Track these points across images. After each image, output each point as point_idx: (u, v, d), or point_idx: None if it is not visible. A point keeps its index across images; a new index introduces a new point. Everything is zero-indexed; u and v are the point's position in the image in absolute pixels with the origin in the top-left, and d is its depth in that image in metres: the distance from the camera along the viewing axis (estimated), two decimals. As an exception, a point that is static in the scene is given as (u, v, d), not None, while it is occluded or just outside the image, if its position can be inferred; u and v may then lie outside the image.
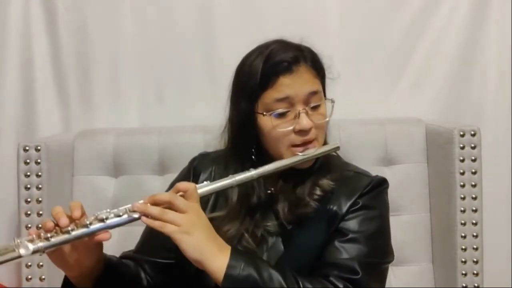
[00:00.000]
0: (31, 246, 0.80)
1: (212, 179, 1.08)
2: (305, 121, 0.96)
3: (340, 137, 1.50)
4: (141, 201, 0.87)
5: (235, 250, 0.89)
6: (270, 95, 0.97)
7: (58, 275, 0.96)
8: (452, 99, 1.69)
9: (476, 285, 1.43)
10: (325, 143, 1.05)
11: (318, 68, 1.02)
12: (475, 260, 1.43)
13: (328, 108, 1.02)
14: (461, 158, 1.42)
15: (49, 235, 0.82)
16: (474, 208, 1.43)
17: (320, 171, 1.04)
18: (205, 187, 0.91)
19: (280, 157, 0.99)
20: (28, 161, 1.45)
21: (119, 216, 0.85)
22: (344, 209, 1.00)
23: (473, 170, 1.42)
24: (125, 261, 1.05)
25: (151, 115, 1.70)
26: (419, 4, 1.67)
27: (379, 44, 1.68)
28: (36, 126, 1.69)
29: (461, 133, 1.42)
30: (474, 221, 1.43)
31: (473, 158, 1.42)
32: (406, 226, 1.50)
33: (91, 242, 0.85)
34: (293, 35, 1.05)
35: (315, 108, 0.99)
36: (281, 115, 0.97)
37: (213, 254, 0.85)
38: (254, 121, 1.00)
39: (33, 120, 1.69)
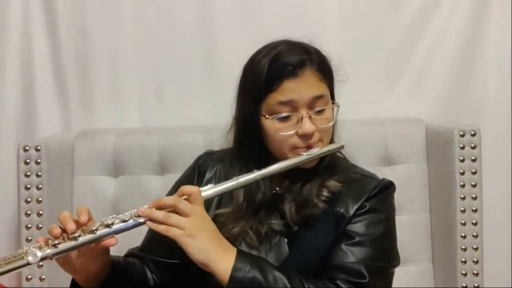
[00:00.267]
0: (39, 253, 0.82)
1: (217, 177, 1.09)
2: (307, 126, 0.96)
3: (340, 137, 1.50)
4: (146, 206, 0.88)
5: (241, 252, 0.89)
6: (274, 98, 0.97)
7: (58, 275, 0.97)
8: (452, 99, 1.69)
9: (476, 285, 1.43)
10: (331, 142, 1.04)
11: (324, 71, 1.01)
12: (475, 260, 1.43)
13: (334, 112, 1.02)
14: (461, 158, 1.42)
15: (56, 242, 0.83)
16: (474, 208, 1.43)
17: (327, 172, 1.03)
18: (209, 190, 0.92)
19: (284, 158, 0.99)
20: (28, 161, 1.45)
21: (125, 221, 0.86)
22: (351, 212, 0.99)
23: (473, 170, 1.42)
24: (131, 259, 1.05)
25: (151, 115, 1.70)
26: (419, 4, 1.67)
27: (379, 44, 1.68)
28: (36, 126, 1.69)
29: (461, 133, 1.42)
30: (474, 221, 1.43)
31: (473, 158, 1.42)
32: (406, 226, 1.50)
33: (98, 248, 0.86)
34: (293, 35, 1.04)
35: (319, 112, 0.98)
36: (284, 119, 0.97)
37: (218, 257, 0.86)
38: (258, 122, 0.99)
39: (33, 120, 1.69)
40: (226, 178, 0.99)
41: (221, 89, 1.64)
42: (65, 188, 1.53)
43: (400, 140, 1.53)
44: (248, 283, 0.85)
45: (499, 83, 1.68)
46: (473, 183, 1.42)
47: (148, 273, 1.05)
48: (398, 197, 1.49)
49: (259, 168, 0.96)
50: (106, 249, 0.90)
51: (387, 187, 1.05)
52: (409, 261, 1.50)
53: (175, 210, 0.86)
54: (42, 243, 0.83)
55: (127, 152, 1.53)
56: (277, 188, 1.04)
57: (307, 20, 1.63)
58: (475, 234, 1.43)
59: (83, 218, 0.85)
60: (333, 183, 1.02)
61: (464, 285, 1.43)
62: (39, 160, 1.46)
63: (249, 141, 1.02)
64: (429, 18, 1.67)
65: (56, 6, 1.65)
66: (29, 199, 1.45)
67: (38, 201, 1.45)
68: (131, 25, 1.67)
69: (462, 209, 1.42)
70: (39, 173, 1.46)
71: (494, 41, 1.67)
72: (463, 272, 1.43)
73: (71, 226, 0.84)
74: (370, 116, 1.63)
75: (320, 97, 0.98)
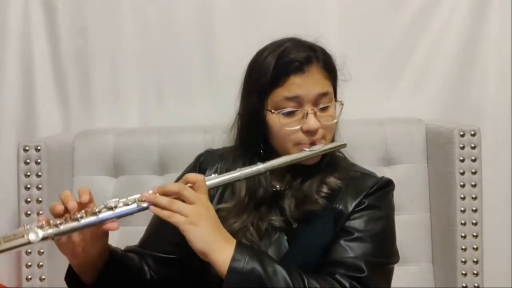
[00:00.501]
0: (41, 233, 0.80)
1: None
2: (312, 122, 0.97)
3: (341, 137, 1.50)
4: (150, 191, 0.88)
5: (240, 243, 0.90)
6: (280, 93, 0.98)
7: (58, 275, 0.97)
8: (452, 99, 1.69)
9: (476, 285, 1.43)
10: (333, 141, 1.05)
11: (330, 70, 1.02)
12: (475, 260, 1.43)
13: (336, 110, 1.03)
14: (461, 158, 1.42)
15: (58, 221, 0.82)
16: (474, 208, 1.43)
17: (327, 169, 1.04)
18: (213, 179, 0.92)
19: (287, 154, 1.00)
20: (28, 161, 1.45)
21: (128, 205, 0.86)
22: (350, 208, 1.00)
23: (473, 170, 1.42)
24: (129, 254, 1.05)
25: (151, 115, 1.70)
26: (419, 4, 1.67)
27: (379, 44, 1.68)
28: (36, 126, 1.69)
29: (461, 133, 1.42)
30: (474, 221, 1.43)
31: (473, 158, 1.42)
32: (406, 226, 1.50)
33: (99, 231, 0.86)
34: (294, 35, 1.05)
35: (324, 109, 0.99)
36: (290, 114, 0.98)
37: (218, 246, 0.86)
38: (263, 117, 1.00)
39: (33, 120, 1.69)
40: None
41: (221, 89, 1.64)
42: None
43: (400, 140, 1.53)
44: (247, 274, 0.85)
45: (499, 83, 1.68)
46: (473, 183, 1.42)
47: (146, 267, 1.04)
48: (398, 197, 1.49)
49: (263, 162, 0.96)
50: (106, 234, 0.90)
51: (386, 185, 1.06)
52: (409, 261, 1.50)
53: (179, 197, 0.86)
54: (43, 222, 0.82)
55: (127, 152, 1.53)
56: (277, 186, 1.05)
57: (307, 20, 1.63)
58: (475, 234, 1.43)
59: (85, 198, 0.85)
60: (333, 180, 1.02)
61: (464, 285, 1.43)
62: (39, 160, 1.46)
63: (254, 136, 1.03)
64: (429, 18, 1.67)
65: (56, 6, 1.65)
66: (29, 199, 1.45)
67: (38, 201, 1.45)
68: (131, 25, 1.67)
69: (462, 209, 1.42)
70: (39, 173, 1.46)
71: (494, 41, 1.67)
72: (463, 272, 1.43)
73: (72, 204, 0.83)
74: (370, 116, 1.63)
75: (325, 94, 0.99)
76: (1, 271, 1.66)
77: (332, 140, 1.04)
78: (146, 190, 0.88)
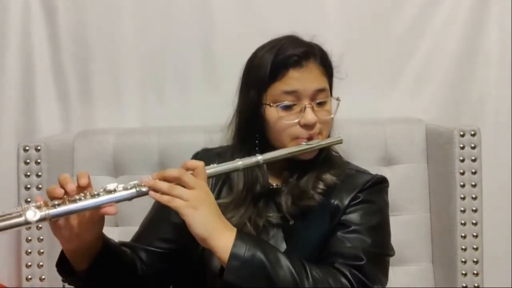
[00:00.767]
0: (39, 213, 0.79)
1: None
2: (310, 116, 0.98)
3: (335, 135, 1.50)
4: (150, 177, 0.88)
5: (241, 231, 0.90)
6: (278, 87, 0.99)
7: (58, 275, 0.96)
8: (452, 99, 1.69)
9: (476, 285, 1.43)
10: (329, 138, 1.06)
11: (326, 66, 1.05)
12: (475, 260, 1.43)
13: (333, 106, 1.05)
14: (461, 158, 1.42)
15: (56, 202, 0.81)
16: (474, 208, 1.43)
17: (323, 166, 1.06)
18: (213, 168, 0.92)
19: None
20: (28, 161, 1.45)
21: (128, 189, 0.85)
22: (346, 202, 1.02)
23: (473, 170, 1.42)
24: (123, 247, 1.05)
25: (151, 115, 1.70)
26: (419, 4, 1.67)
27: (379, 44, 1.68)
28: (36, 126, 1.69)
29: (461, 133, 1.42)
30: (474, 221, 1.43)
31: (473, 158, 1.42)
32: (406, 226, 1.50)
33: (96, 215, 0.86)
34: (303, 35, 1.07)
35: (320, 104, 1.02)
36: (287, 108, 1.00)
37: (219, 232, 0.86)
38: (261, 111, 1.02)
39: (33, 120, 1.69)
40: None
41: (221, 89, 1.64)
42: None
43: (400, 140, 1.53)
44: (249, 261, 0.85)
45: (499, 83, 1.68)
46: (473, 183, 1.42)
47: (138, 262, 1.04)
48: (398, 197, 1.50)
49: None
50: (102, 219, 0.89)
51: (380, 182, 1.07)
52: (409, 261, 1.50)
53: (179, 183, 0.86)
54: (41, 202, 0.81)
55: (127, 152, 1.53)
56: (274, 184, 1.07)
57: (308, 20, 1.63)
58: (475, 234, 1.43)
59: (83, 181, 0.85)
60: (329, 177, 1.04)
61: (464, 285, 1.43)
62: (39, 160, 1.46)
63: (252, 131, 1.04)
64: (429, 18, 1.67)
65: (56, 7, 1.65)
66: (29, 199, 1.45)
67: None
68: (131, 25, 1.67)
69: (462, 209, 1.42)
70: (39, 173, 1.46)
71: (494, 41, 1.67)
72: (463, 272, 1.43)
73: (71, 186, 0.83)
74: (370, 116, 1.63)
75: (322, 90, 1.01)
76: (1, 271, 1.66)
77: (328, 137, 1.06)
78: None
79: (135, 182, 0.87)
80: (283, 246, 1.00)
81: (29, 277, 1.46)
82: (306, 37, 1.06)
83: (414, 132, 1.54)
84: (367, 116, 1.63)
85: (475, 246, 1.43)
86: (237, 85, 1.09)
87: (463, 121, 1.64)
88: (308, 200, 1.01)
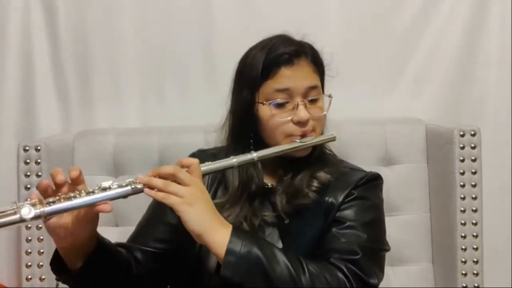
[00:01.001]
0: (33, 211, 0.79)
1: (210, 174, 1.08)
2: (302, 113, 0.99)
3: (340, 137, 1.49)
4: (145, 174, 0.88)
5: (237, 227, 0.90)
6: (271, 85, 1.00)
7: (58, 275, 0.96)
8: (452, 99, 1.70)
9: (476, 285, 1.43)
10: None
11: (318, 64, 1.06)
12: (475, 260, 1.43)
13: (325, 103, 1.05)
14: (461, 158, 1.42)
15: (51, 199, 0.81)
16: (474, 208, 1.43)
17: (317, 164, 1.06)
18: (208, 165, 0.93)
19: None
20: (28, 161, 1.45)
21: (122, 187, 0.85)
22: (340, 199, 1.03)
23: (473, 170, 1.42)
24: (118, 248, 1.04)
25: (151, 115, 1.70)
26: (419, 4, 1.67)
27: (379, 44, 1.68)
28: (36, 126, 1.69)
29: (461, 133, 1.42)
30: (474, 221, 1.43)
31: (473, 158, 1.42)
32: (406, 226, 1.50)
33: (91, 213, 0.85)
34: (295, 36, 1.07)
35: (313, 101, 1.02)
36: (280, 105, 1.01)
37: (214, 228, 0.86)
38: (254, 110, 1.02)
39: (33, 120, 1.69)
40: None
41: (221, 89, 1.63)
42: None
43: (400, 140, 1.53)
44: (245, 256, 0.86)
45: (499, 83, 1.68)
46: (473, 183, 1.42)
47: (133, 261, 1.04)
48: (398, 197, 1.50)
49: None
50: (96, 217, 0.88)
51: (375, 179, 1.08)
52: (409, 261, 1.50)
53: (174, 180, 0.86)
54: (36, 200, 0.81)
55: (127, 152, 1.53)
56: (269, 184, 1.07)
57: (308, 21, 1.63)
58: (475, 234, 1.43)
59: (74, 173, 0.85)
60: (323, 175, 1.05)
61: (464, 285, 1.43)
62: (39, 160, 1.46)
63: (246, 131, 1.05)
64: (429, 18, 1.67)
65: (56, 7, 1.65)
66: (29, 199, 1.44)
67: (38, 201, 1.45)
68: (131, 25, 1.67)
69: (462, 209, 1.42)
70: (39, 173, 1.46)
71: (494, 41, 1.67)
72: (463, 272, 1.43)
73: (60, 178, 0.83)
74: (370, 116, 1.63)
75: (314, 87, 1.02)
76: (1, 271, 1.66)
77: (322, 134, 1.06)
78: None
79: (130, 179, 0.86)
80: (279, 245, 1.00)
81: (29, 277, 1.46)
82: (297, 36, 1.07)
83: (414, 132, 1.54)
84: (367, 116, 1.63)
85: (475, 246, 1.43)
86: (231, 81, 1.10)
87: (463, 121, 1.64)
88: (302, 198, 1.02)
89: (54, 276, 0.95)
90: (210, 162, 0.93)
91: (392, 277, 1.50)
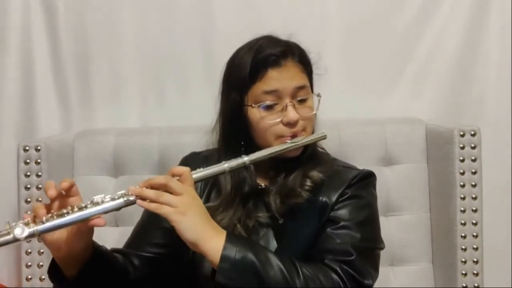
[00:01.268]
0: (27, 230, 0.79)
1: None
2: (292, 114, 1.00)
3: (340, 137, 1.50)
4: (136, 186, 0.88)
5: (230, 233, 0.91)
6: (259, 88, 1.00)
7: (58, 275, 0.96)
8: (452, 99, 1.69)
9: (476, 285, 1.43)
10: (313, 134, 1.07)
11: (305, 64, 1.06)
12: (475, 260, 1.43)
13: (315, 102, 1.05)
14: (461, 158, 1.42)
15: (44, 218, 0.82)
16: (474, 208, 1.43)
17: (309, 163, 1.06)
18: (199, 172, 0.93)
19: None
20: (28, 161, 1.45)
21: (115, 199, 0.86)
22: (334, 199, 1.03)
23: (473, 170, 1.42)
24: (114, 253, 1.05)
25: (151, 115, 1.70)
26: (419, 4, 1.67)
27: (379, 44, 1.68)
28: (36, 126, 1.69)
29: (461, 133, 1.42)
30: (474, 221, 1.43)
31: (473, 158, 1.42)
32: (406, 226, 1.50)
33: (85, 226, 0.85)
34: (295, 37, 1.08)
35: (302, 101, 1.02)
36: (269, 107, 1.01)
37: (208, 236, 0.86)
38: (244, 113, 1.03)
39: (33, 120, 1.69)
40: None
41: (221, 89, 1.64)
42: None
43: (400, 140, 1.53)
44: (240, 262, 0.86)
45: (499, 83, 1.68)
46: (473, 183, 1.42)
47: (130, 267, 1.04)
48: (398, 197, 1.50)
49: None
50: (91, 229, 0.89)
51: (368, 176, 1.08)
52: (409, 261, 1.50)
53: (166, 190, 0.86)
54: (29, 219, 0.82)
55: (127, 152, 1.53)
56: (262, 184, 1.07)
57: (308, 21, 1.63)
58: (475, 234, 1.43)
59: (64, 184, 0.85)
60: (316, 174, 1.05)
61: (464, 285, 1.43)
62: (39, 160, 1.46)
63: (236, 133, 1.05)
64: (429, 18, 1.67)
65: (57, 7, 1.65)
66: (29, 199, 1.45)
67: (38, 201, 1.44)
68: (131, 25, 1.67)
69: (462, 209, 1.42)
70: (39, 173, 1.46)
71: (494, 41, 1.67)
72: (463, 272, 1.43)
73: (51, 193, 0.84)
74: (370, 116, 1.63)
75: (302, 87, 1.02)
76: (1, 271, 1.66)
77: (312, 133, 1.07)
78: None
79: (123, 191, 0.87)
80: (274, 245, 1.01)
81: (29, 277, 1.46)
82: (284, 36, 1.07)
83: (414, 132, 1.54)
84: (367, 116, 1.63)
85: (475, 246, 1.43)
86: (220, 82, 1.10)
87: (463, 121, 1.64)
88: (296, 198, 1.02)
89: (54, 277, 0.95)
90: (201, 169, 0.94)
91: (392, 277, 1.50)
